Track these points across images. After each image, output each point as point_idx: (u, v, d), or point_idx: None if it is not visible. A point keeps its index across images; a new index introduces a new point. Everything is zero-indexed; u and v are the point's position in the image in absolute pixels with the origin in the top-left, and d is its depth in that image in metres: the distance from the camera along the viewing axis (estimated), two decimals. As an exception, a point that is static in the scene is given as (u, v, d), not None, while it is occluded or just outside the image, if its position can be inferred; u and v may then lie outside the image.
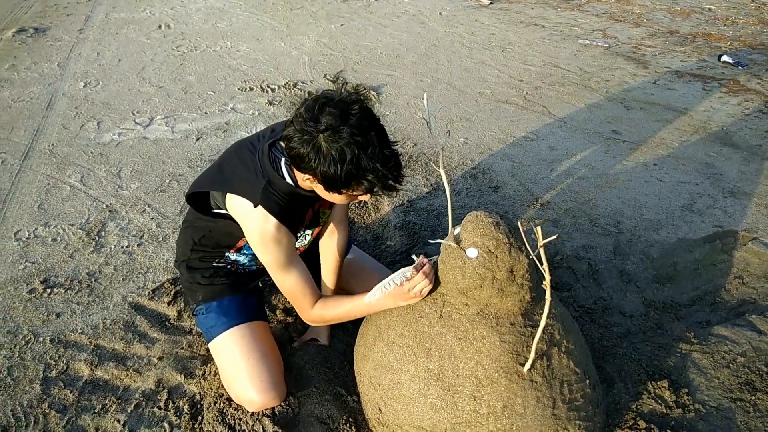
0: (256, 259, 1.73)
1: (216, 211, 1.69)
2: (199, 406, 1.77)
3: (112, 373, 1.88)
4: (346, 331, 2.05)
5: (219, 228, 1.73)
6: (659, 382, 1.80)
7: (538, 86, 4.55)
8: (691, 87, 4.62)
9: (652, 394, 1.77)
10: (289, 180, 1.55)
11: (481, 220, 1.46)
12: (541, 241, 1.22)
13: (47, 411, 1.73)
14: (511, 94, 4.39)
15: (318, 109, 1.36)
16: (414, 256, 1.54)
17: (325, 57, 5.02)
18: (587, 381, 1.55)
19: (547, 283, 1.32)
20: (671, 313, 2.24)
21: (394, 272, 1.52)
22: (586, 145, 3.61)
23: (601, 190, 3.11)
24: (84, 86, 4.22)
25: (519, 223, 1.41)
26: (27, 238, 2.53)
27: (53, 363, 1.90)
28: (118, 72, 4.53)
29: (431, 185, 3.07)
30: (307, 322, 1.72)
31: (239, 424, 1.68)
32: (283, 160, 1.55)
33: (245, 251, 1.80)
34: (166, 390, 1.82)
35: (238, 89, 4.27)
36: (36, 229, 2.59)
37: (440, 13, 6.59)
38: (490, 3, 7.09)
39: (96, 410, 1.75)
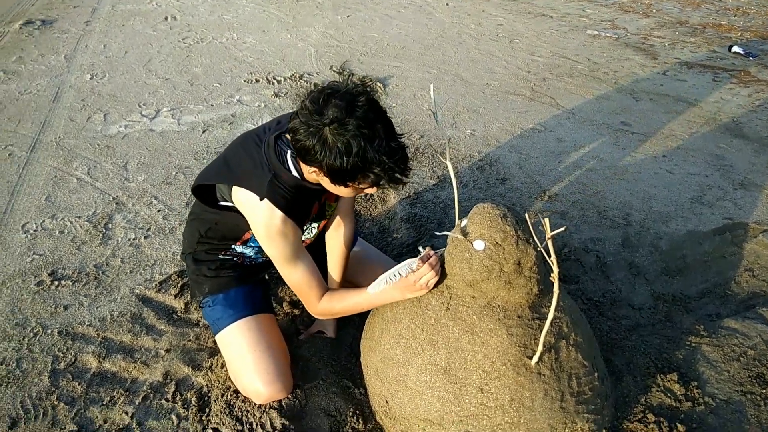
0: (263, 251, 1.72)
1: (222, 203, 1.69)
2: (206, 398, 1.77)
3: (120, 366, 1.89)
4: (353, 324, 2.05)
5: (225, 220, 1.73)
6: (668, 375, 1.79)
7: (546, 77, 4.52)
8: (701, 78, 4.57)
9: (662, 387, 1.76)
10: (295, 173, 1.54)
11: (489, 212, 1.45)
12: (549, 233, 1.21)
13: (56, 403, 1.74)
14: (519, 86, 4.35)
15: (324, 101, 1.35)
16: (420, 248, 1.53)
17: (332, 48, 5.00)
18: (596, 374, 1.54)
19: (555, 276, 1.31)
20: (680, 305, 2.22)
21: (399, 264, 1.51)
22: (594, 137, 3.58)
23: (610, 182, 3.08)
24: (90, 78, 4.22)
25: (526, 215, 1.39)
26: (34, 231, 2.53)
27: (61, 355, 1.91)
28: (124, 64, 4.53)
29: (438, 177, 3.06)
30: (314, 315, 1.71)
31: (246, 417, 1.68)
32: (289, 152, 1.54)
33: (251, 243, 1.80)
34: (173, 382, 1.83)
35: (244, 81, 4.26)
36: (43, 221, 2.60)
37: (447, 4, 6.55)
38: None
39: (104, 402, 1.75)
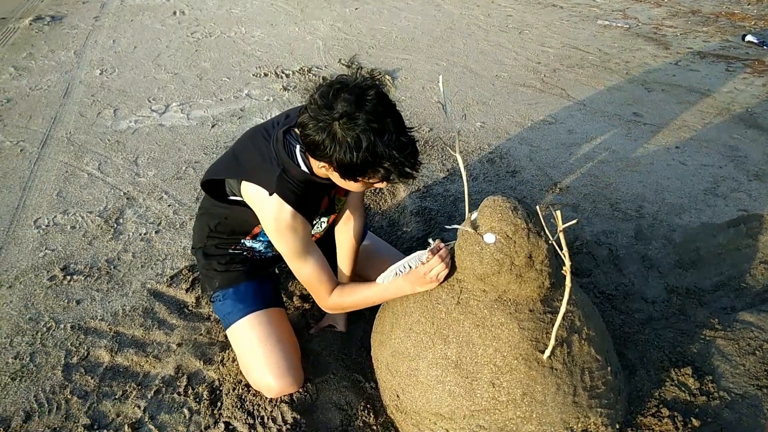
0: (272, 246, 1.72)
1: (231, 198, 1.68)
2: (218, 392, 1.78)
3: (132, 360, 1.90)
4: (364, 318, 2.05)
5: (234, 215, 1.73)
6: (682, 369, 1.77)
7: (556, 68, 4.48)
8: (714, 68, 4.51)
9: (676, 382, 1.74)
10: (304, 167, 1.53)
11: (499, 205, 1.43)
12: (560, 226, 1.19)
13: (69, 397, 1.75)
14: (529, 77, 4.32)
15: (333, 96, 1.33)
16: (431, 240, 1.52)
17: (340, 41, 4.98)
18: (609, 368, 1.52)
19: (567, 269, 1.29)
20: (694, 298, 2.19)
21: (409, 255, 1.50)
22: (606, 129, 3.54)
23: (622, 174, 3.05)
24: (100, 74, 4.24)
25: (537, 208, 1.38)
26: (46, 226, 2.55)
27: (74, 350, 1.92)
28: (133, 59, 4.53)
29: (447, 170, 3.04)
30: (324, 309, 1.71)
31: (258, 410, 1.69)
32: (298, 147, 1.53)
33: (261, 238, 1.79)
34: (185, 376, 1.83)
35: (253, 75, 4.25)
36: (55, 216, 2.61)
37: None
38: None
39: (117, 396, 1.76)
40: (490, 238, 1.41)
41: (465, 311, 1.48)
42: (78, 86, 4.02)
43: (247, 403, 1.71)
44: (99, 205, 2.70)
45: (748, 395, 1.69)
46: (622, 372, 1.69)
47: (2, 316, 2.05)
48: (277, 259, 1.88)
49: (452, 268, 1.52)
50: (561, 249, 1.26)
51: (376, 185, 1.48)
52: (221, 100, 3.85)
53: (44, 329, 2.00)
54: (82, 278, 2.25)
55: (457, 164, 3.04)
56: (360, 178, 1.41)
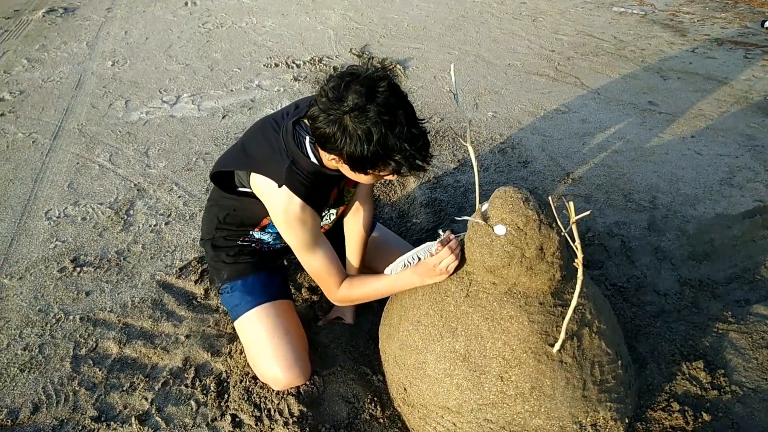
0: (281, 237, 1.71)
1: (240, 189, 1.68)
2: (225, 384, 1.78)
3: (140, 351, 1.90)
4: (372, 310, 2.03)
5: (243, 206, 1.72)
6: (694, 362, 1.75)
7: (570, 57, 4.42)
8: (732, 55, 4.42)
9: (687, 375, 1.71)
10: (313, 159, 1.52)
11: (510, 196, 1.41)
12: (573, 217, 1.17)
13: (77, 388, 1.76)
14: (542, 66, 4.26)
15: (344, 87, 1.31)
16: (440, 231, 1.50)
17: (351, 31, 4.94)
18: (619, 362, 1.50)
19: (579, 261, 1.27)
20: (707, 291, 2.16)
21: (418, 247, 1.49)
22: (620, 118, 3.49)
23: (636, 164, 3.01)
24: (112, 65, 4.25)
25: (549, 198, 1.35)
26: (57, 217, 2.56)
27: (83, 341, 1.93)
28: (145, 50, 4.54)
29: (458, 161, 3.01)
30: (333, 302, 1.70)
31: (265, 403, 1.69)
32: (307, 138, 1.52)
33: (269, 230, 1.78)
34: (193, 368, 1.83)
35: (264, 66, 4.24)
36: (66, 208, 2.62)
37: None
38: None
39: (124, 388, 1.77)
40: (500, 229, 1.39)
41: (474, 304, 1.46)
42: (90, 78, 4.03)
43: (254, 395, 1.71)
44: (110, 196, 2.71)
45: (761, 389, 1.66)
46: (633, 365, 1.67)
47: (12, 307, 2.07)
48: (286, 250, 1.88)
49: (462, 260, 1.50)
50: (573, 241, 1.23)
51: (387, 178, 1.46)
52: (232, 90, 3.84)
53: (53, 320, 2.01)
54: (92, 270, 2.26)
55: (468, 155, 3.01)
56: (370, 171, 1.39)
